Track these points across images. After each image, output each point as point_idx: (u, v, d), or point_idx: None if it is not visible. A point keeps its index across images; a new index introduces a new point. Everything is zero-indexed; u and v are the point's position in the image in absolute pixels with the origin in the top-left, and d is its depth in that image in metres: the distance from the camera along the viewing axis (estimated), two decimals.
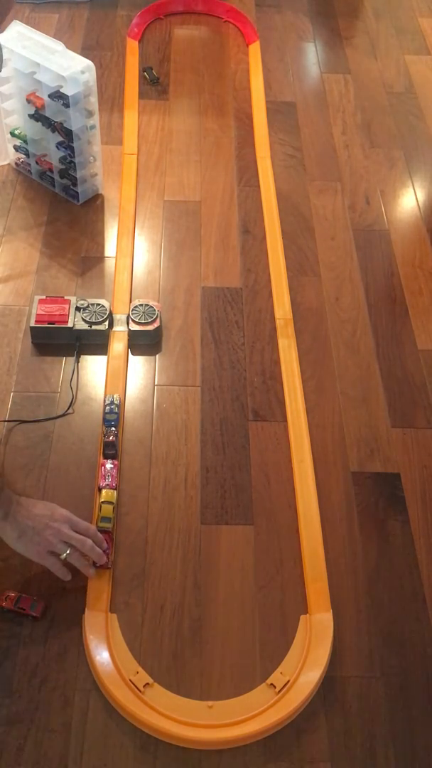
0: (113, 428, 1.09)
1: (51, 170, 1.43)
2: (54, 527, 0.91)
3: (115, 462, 1.06)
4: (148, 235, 1.42)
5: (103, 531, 0.98)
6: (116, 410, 1.11)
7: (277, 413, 1.17)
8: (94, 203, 1.47)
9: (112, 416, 1.10)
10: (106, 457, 1.07)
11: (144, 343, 1.24)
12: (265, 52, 1.87)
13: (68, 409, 1.14)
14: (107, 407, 1.12)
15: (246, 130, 1.66)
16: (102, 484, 1.04)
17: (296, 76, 1.82)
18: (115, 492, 1.03)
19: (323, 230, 1.46)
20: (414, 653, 0.94)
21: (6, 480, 0.93)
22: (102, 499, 1.01)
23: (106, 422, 1.10)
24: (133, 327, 1.22)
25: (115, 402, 1.12)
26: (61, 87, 1.26)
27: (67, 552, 0.92)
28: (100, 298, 1.27)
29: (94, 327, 1.21)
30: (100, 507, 1.00)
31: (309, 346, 1.26)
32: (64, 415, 1.13)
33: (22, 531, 0.90)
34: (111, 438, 1.08)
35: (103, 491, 1.02)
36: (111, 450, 1.07)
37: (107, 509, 1.00)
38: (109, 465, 1.05)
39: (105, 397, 1.14)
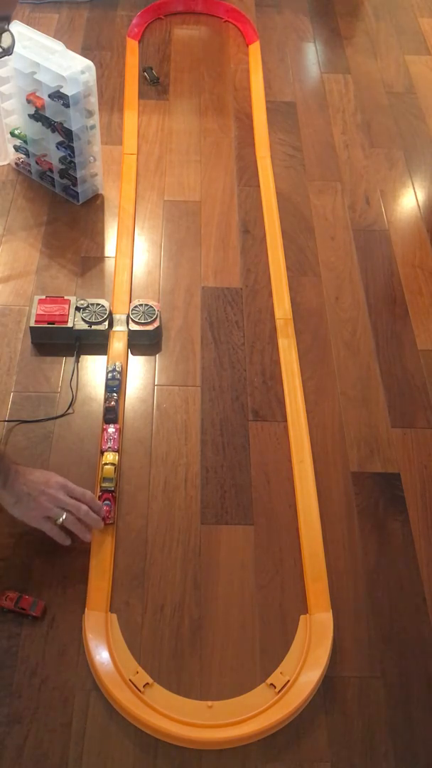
0: (114, 394, 1.13)
1: (51, 170, 1.43)
2: (49, 493, 0.94)
3: (117, 426, 1.10)
4: (148, 235, 1.42)
5: (106, 491, 1.02)
6: (118, 377, 1.15)
7: (277, 413, 1.17)
8: (94, 203, 1.47)
9: (114, 383, 1.14)
10: (107, 422, 1.11)
11: (144, 343, 1.24)
12: (265, 52, 1.87)
13: (68, 409, 1.14)
14: (109, 374, 1.16)
15: (246, 130, 1.66)
16: (104, 447, 1.07)
17: (296, 76, 1.82)
18: (117, 454, 1.07)
19: (323, 230, 1.46)
20: (414, 653, 0.94)
21: (5, 451, 0.96)
22: (104, 462, 1.05)
23: (108, 388, 1.14)
24: (133, 327, 1.22)
25: (117, 369, 1.16)
26: (61, 87, 1.26)
27: (63, 517, 0.94)
28: (100, 298, 1.27)
29: (93, 327, 1.21)
30: (102, 468, 1.04)
31: (309, 346, 1.26)
32: (64, 415, 1.13)
33: (18, 497, 0.93)
34: (112, 403, 1.11)
35: (105, 454, 1.07)
36: (111, 414, 1.11)
37: (109, 470, 1.04)
38: (111, 429, 1.09)
39: (107, 365, 1.18)
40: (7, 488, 0.92)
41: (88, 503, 0.97)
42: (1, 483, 0.92)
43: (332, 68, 1.86)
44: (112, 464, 1.05)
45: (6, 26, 0.72)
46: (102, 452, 1.08)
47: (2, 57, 0.76)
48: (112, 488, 1.03)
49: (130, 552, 1.01)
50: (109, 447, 1.08)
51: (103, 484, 1.03)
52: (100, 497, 1.02)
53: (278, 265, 1.38)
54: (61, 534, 0.96)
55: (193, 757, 0.85)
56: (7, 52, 0.75)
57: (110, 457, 1.06)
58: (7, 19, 0.72)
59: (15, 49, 1.25)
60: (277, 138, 1.65)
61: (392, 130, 1.70)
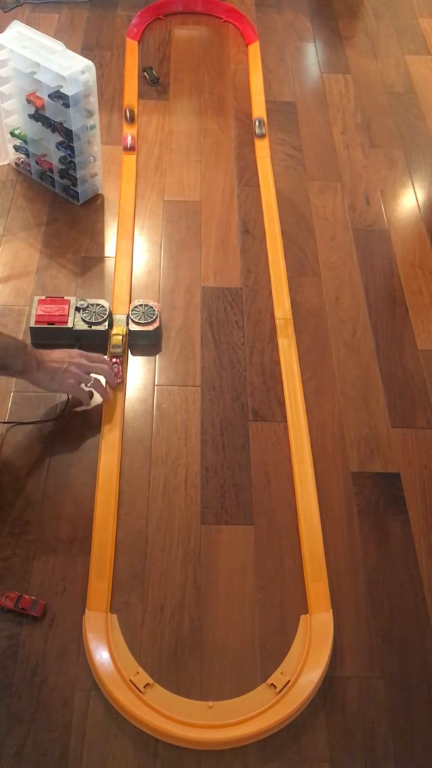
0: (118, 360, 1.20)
1: (51, 170, 1.43)
2: (75, 363, 1.09)
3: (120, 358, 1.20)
4: (148, 235, 1.42)
5: (115, 356, 1.18)
6: (121, 342, 1.21)
7: (277, 413, 1.17)
8: (94, 203, 1.47)
9: (118, 350, 1.20)
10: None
11: (144, 343, 1.24)
12: (265, 52, 1.87)
13: (65, 410, 1.14)
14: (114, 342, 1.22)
15: (246, 130, 1.66)
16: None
17: (296, 76, 1.82)
18: (124, 328, 1.21)
19: (323, 230, 1.46)
20: (414, 653, 0.94)
21: (25, 342, 1.10)
22: (113, 333, 1.20)
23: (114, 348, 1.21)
24: (133, 327, 1.22)
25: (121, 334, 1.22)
26: (61, 87, 1.26)
27: (91, 381, 1.12)
28: (100, 298, 1.27)
29: (93, 327, 1.21)
30: (112, 338, 1.20)
31: (309, 346, 1.26)
32: (61, 416, 1.13)
33: (52, 374, 1.07)
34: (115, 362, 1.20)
35: (115, 327, 1.21)
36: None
37: (117, 339, 1.20)
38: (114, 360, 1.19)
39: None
40: (41, 370, 1.06)
41: (107, 363, 1.15)
42: (35, 366, 1.05)
43: (332, 68, 1.86)
44: (120, 334, 1.20)
45: None
46: (110, 337, 1.21)
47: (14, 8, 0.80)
48: (120, 353, 1.19)
49: (130, 552, 1.01)
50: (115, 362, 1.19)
51: (112, 350, 1.19)
52: (111, 360, 1.18)
53: (278, 265, 1.38)
54: (87, 395, 1.13)
55: (193, 757, 0.85)
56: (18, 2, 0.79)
57: (118, 329, 1.21)
58: None
59: (15, 49, 1.26)
60: (277, 138, 1.65)
61: (392, 130, 1.70)
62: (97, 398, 1.15)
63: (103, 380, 1.14)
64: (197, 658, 0.92)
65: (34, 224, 1.42)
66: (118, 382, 1.17)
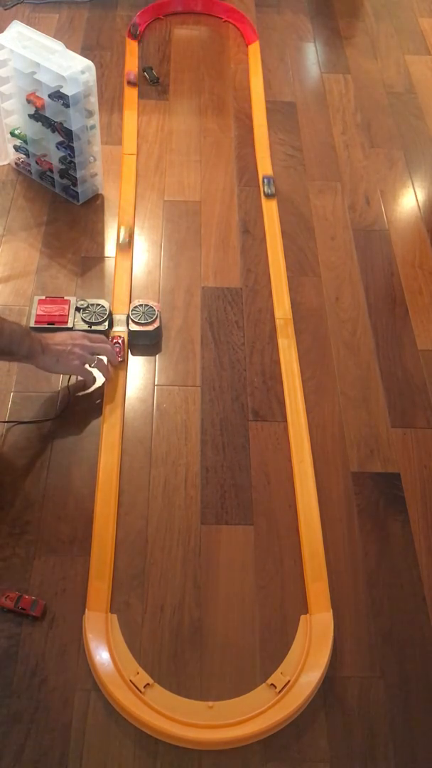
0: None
1: (51, 170, 1.43)
2: (79, 344, 1.11)
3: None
4: (148, 235, 1.42)
5: (116, 335, 1.22)
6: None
7: (277, 413, 1.17)
8: (94, 203, 1.47)
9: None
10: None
11: (144, 343, 1.24)
12: (265, 52, 1.87)
13: (65, 410, 1.14)
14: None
15: (246, 130, 1.66)
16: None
17: (296, 76, 1.82)
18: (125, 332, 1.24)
19: (323, 230, 1.46)
20: (414, 653, 0.94)
21: (27, 327, 1.12)
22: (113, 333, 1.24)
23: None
24: (133, 327, 1.22)
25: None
26: (61, 87, 1.26)
27: (95, 362, 1.14)
28: (100, 298, 1.27)
29: (93, 327, 1.21)
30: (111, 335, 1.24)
31: (309, 346, 1.26)
32: (61, 416, 1.13)
33: (57, 356, 1.09)
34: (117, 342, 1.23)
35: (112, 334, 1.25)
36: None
37: (118, 332, 1.23)
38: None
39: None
40: (46, 353, 1.08)
41: (109, 342, 1.18)
42: (40, 351, 1.07)
43: (332, 68, 1.86)
44: (120, 336, 1.24)
45: None
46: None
47: None
48: (122, 335, 1.23)
49: (130, 552, 1.01)
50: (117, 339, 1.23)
51: (115, 331, 1.24)
52: (112, 341, 1.21)
53: (278, 265, 1.38)
54: (92, 375, 1.15)
55: (193, 757, 0.85)
56: None
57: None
58: None
59: (15, 49, 1.26)
60: (277, 138, 1.65)
61: (392, 130, 1.70)
62: (99, 378, 1.18)
63: (105, 360, 1.17)
64: (197, 658, 0.92)
65: (34, 224, 1.42)
66: (119, 361, 1.19)
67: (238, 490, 1.08)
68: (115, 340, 1.21)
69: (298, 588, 0.99)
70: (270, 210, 1.48)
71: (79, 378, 1.17)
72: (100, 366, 1.16)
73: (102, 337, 1.17)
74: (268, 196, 1.51)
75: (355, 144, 1.66)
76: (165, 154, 1.59)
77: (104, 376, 1.17)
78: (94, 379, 1.16)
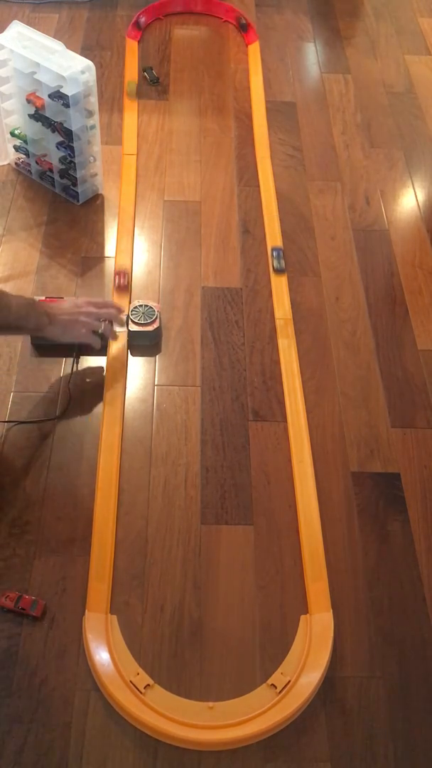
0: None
1: (51, 170, 1.43)
2: (85, 312, 1.13)
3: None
4: (148, 235, 1.42)
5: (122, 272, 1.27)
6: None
7: (277, 413, 1.17)
8: (94, 203, 1.47)
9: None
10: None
11: (144, 343, 1.24)
12: (265, 52, 1.87)
13: (66, 410, 1.14)
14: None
15: (246, 130, 1.66)
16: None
17: (296, 76, 1.82)
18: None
19: (323, 230, 1.46)
20: (414, 653, 0.94)
21: (32, 298, 1.14)
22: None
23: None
24: (133, 327, 1.22)
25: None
26: (61, 87, 1.26)
27: (102, 328, 1.16)
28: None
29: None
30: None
31: (309, 346, 1.26)
32: (61, 416, 1.13)
33: (64, 327, 1.11)
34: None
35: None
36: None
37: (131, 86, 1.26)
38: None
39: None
40: (53, 323, 1.09)
41: (111, 306, 1.18)
42: (47, 322, 1.09)
43: (332, 68, 1.86)
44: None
45: None
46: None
47: None
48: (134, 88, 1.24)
49: (130, 552, 1.01)
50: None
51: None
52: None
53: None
54: (97, 339, 1.16)
55: (193, 757, 0.85)
56: None
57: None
58: None
59: (15, 49, 1.26)
60: (277, 138, 1.65)
61: (392, 130, 1.70)
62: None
63: (111, 324, 1.19)
64: (197, 658, 0.92)
65: (34, 224, 1.42)
66: (123, 317, 1.21)
67: (238, 490, 1.08)
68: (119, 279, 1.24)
69: (298, 588, 0.99)
70: (279, 286, 1.33)
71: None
72: (106, 330, 1.17)
73: (107, 301, 1.20)
74: (277, 271, 1.36)
75: (355, 144, 1.66)
76: (165, 154, 1.59)
77: (111, 339, 1.20)
78: (99, 343, 1.18)
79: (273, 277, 1.36)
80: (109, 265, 1.36)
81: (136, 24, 1.87)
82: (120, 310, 1.19)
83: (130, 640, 0.93)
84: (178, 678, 0.91)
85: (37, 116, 1.35)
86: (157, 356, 1.23)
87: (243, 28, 1.74)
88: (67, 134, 1.32)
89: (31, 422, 1.12)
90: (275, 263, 1.37)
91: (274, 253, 1.38)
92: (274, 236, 1.43)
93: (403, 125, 1.72)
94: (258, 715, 0.87)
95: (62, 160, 1.38)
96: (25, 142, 1.43)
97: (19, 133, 1.44)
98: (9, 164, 1.52)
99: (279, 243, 1.41)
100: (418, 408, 1.19)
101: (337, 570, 1.00)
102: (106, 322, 1.17)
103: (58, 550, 0.99)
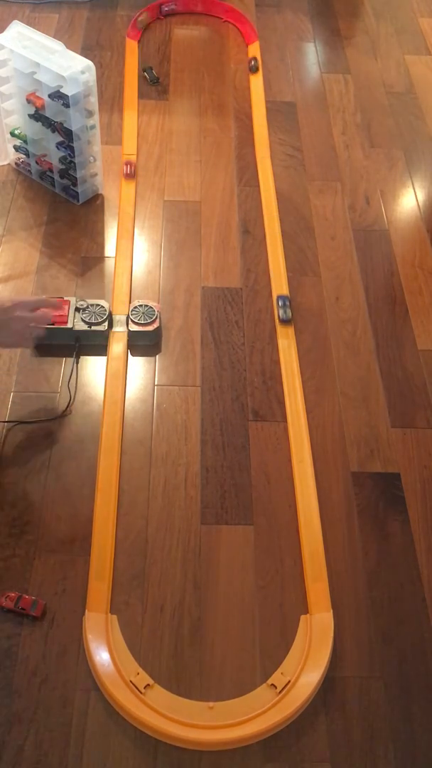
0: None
1: (51, 170, 1.43)
2: (16, 318, 1.02)
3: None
4: (148, 235, 1.42)
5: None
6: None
7: (277, 413, 1.17)
8: (94, 203, 1.47)
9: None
10: None
11: (144, 343, 1.24)
12: (265, 52, 1.87)
13: (66, 410, 1.14)
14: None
15: (246, 130, 1.66)
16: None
17: (296, 76, 1.82)
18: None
19: (323, 230, 1.46)
20: (414, 653, 0.94)
21: None
22: None
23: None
24: (133, 327, 1.22)
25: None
26: (61, 87, 1.26)
27: (37, 332, 1.08)
28: (100, 298, 1.27)
29: (93, 328, 1.21)
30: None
31: (309, 346, 1.26)
32: (61, 416, 1.13)
33: None
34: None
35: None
36: None
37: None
38: None
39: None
40: None
41: (46, 305, 1.08)
42: None
43: (332, 68, 1.86)
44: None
45: None
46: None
47: None
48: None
49: (130, 552, 1.01)
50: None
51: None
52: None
53: (278, 265, 1.38)
54: (31, 344, 1.12)
55: (193, 756, 0.85)
56: None
57: None
58: None
59: (15, 49, 1.26)
60: (277, 138, 1.65)
61: (392, 130, 1.70)
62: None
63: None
64: (197, 658, 0.92)
65: (34, 224, 1.42)
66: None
67: (238, 490, 1.08)
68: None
69: (298, 588, 0.99)
70: (286, 336, 1.25)
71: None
72: (38, 333, 1.09)
73: (41, 299, 1.09)
74: (283, 322, 1.25)
75: (355, 144, 1.66)
76: (165, 154, 1.59)
77: (47, 324, 1.12)
78: (32, 345, 1.15)
79: (279, 328, 1.25)
80: (109, 265, 1.36)
81: (137, 23, 1.87)
82: (57, 308, 1.13)
83: (130, 640, 0.93)
84: (178, 678, 0.91)
85: (37, 116, 1.35)
86: (157, 356, 1.23)
87: (252, 69, 1.75)
88: (67, 134, 1.32)
89: (31, 422, 1.12)
90: (281, 313, 1.24)
91: (280, 302, 1.26)
92: (280, 285, 1.34)
93: (403, 125, 1.72)
94: (258, 715, 0.87)
95: (62, 160, 1.38)
96: (25, 142, 1.43)
97: (19, 133, 1.44)
98: (9, 164, 1.52)
99: (285, 291, 1.27)
100: (418, 408, 1.19)
101: (337, 570, 1.00)
102: (38, 326, 1.09)
103: (58, 550, 0.99)
